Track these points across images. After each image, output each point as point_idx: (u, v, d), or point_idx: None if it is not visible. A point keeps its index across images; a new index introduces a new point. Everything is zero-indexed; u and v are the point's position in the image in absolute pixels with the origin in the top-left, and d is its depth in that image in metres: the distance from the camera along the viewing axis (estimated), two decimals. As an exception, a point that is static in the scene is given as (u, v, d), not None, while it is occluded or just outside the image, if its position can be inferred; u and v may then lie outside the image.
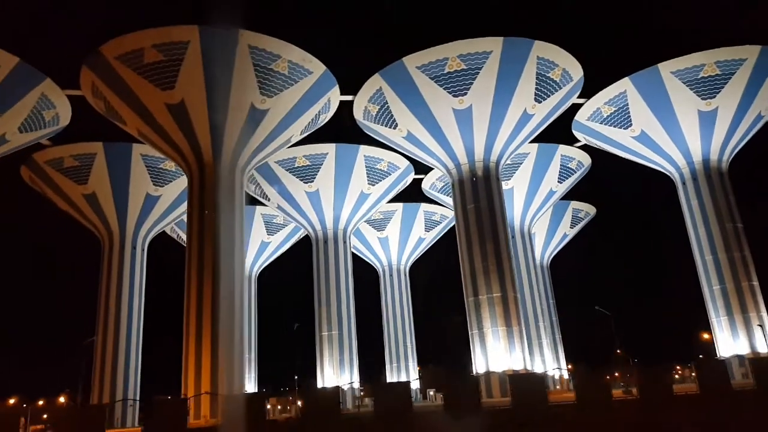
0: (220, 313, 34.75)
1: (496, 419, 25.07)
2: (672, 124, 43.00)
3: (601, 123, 46.12)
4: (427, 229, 70.03)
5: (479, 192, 40.44)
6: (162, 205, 50.73)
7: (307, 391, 40.77)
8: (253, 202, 60.84)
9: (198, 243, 36.44)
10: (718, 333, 41.85)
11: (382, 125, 42.94)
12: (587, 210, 72.36)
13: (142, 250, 51.95)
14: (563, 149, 53.29)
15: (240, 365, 35.11)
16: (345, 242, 56.00)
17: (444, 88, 38.04)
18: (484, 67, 37.15)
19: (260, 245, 66.03)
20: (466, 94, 38.12)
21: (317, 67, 37.62)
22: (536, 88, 38.93)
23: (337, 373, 51.09)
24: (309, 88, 38.35)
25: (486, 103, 38.49)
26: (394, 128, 42.27)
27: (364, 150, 50.70)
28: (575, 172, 56.63)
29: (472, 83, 37.70)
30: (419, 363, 70.64)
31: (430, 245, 72.60)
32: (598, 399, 25.59)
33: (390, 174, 53.93)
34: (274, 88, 36.74)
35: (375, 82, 39.79)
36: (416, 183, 59.98)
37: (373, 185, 53.81)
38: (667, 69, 40.67)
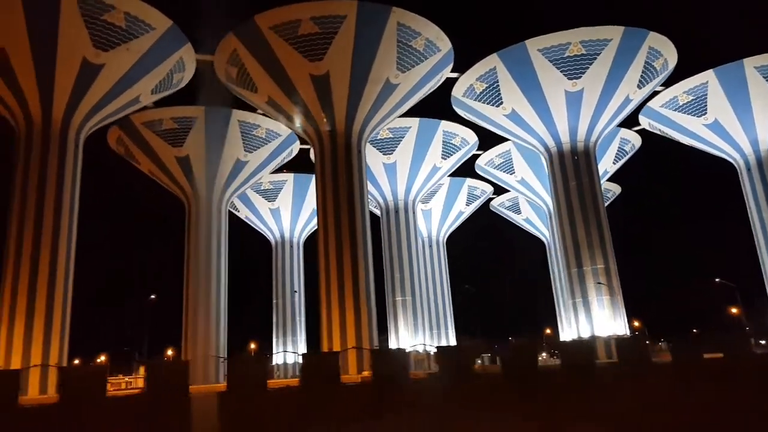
0: (359, 269, 37.07)
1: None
2: (746, 113, 46.88)
3: (674, 110, 49.66)
4: (468, 203, 73.04)
5: (581, 170, 43.51)
6: (247, 170, 51.98)
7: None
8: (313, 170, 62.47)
9: (334, 204, 38.42)
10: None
11: (483, 103, 45.27)
12: (614, 189, 76.70)
13: (226, 213, 53.19)
14: (624, 132, 56.85)
15: (375, 321, 37.56)
16: (414, 212, 58.60)
17: (561, 71, 40.66)
18: (602, 54, 39.93)
19: (311, 213, 67.69)
20: (580, 77, 40.88)
21: (445, 45, 39.62)
22: (641, 76, 42.01)
23: (411, 336, 54.10)
24: (433, 66, 40.37)
25: (597, 87, 41.37)
26: (497, 106, 44.69)
27: (445, 125, 53.14)
28: (627, 155, 60.49)
29: (588, 68, 40.46)
30: (456, 329, 74.22)
31: (466, 218, 75.86)
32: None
33: (460, 149, 56.52)
34: (408, 64, 38.63)
35: (490, 62, 42.04)
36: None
37: (445, 159, 56.34)
38: (751, 64, 44.31)
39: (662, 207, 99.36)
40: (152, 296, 50.27)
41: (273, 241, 69.38)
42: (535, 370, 27.93)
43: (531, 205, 75.32)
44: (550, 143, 44.89)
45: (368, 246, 38.72)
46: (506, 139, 56.92)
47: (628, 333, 40.74)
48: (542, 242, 79.87)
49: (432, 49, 39.05)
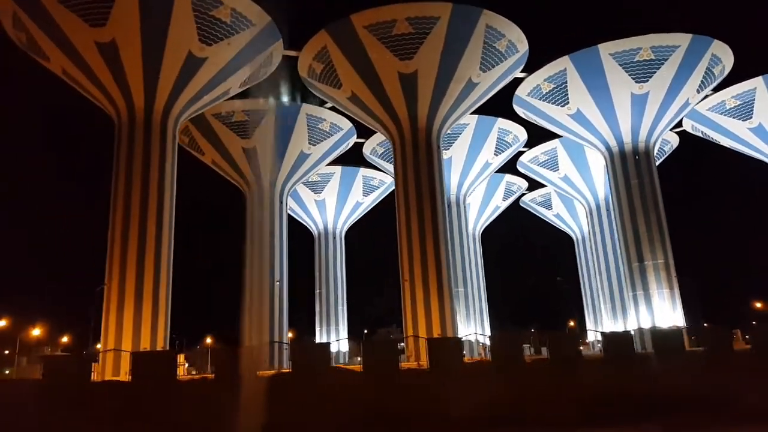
0: (440, 257, 38.90)
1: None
2: (794, 118, 49.06)
3: (720, 113, 51.72)
4: (505, 198, 74.94)
5: (642, 169, 45.50)
6: (309, 162, 53.53)
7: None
8: (360, 163, 64.25)
9: (416, 199, 40.14)
10: None
11: (548, 102, 47.02)
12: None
13: (286, 203, 54.72)
14: (667, 134, 58.82)
15: (455, 308, 39.41)
16: (465, 206, 60.44)
17: (630, 75, 42.50)
18: (669, 59, 41.73)
19: (354, 205, 69.35)
20: (647, 81, 42.72)
21: (523, 47, 41.32)
22: (701, 81, 43.96)
23: (465, 326, 56.04)
24: (509, 66, 42.09)
25: (662, 91, 43.19)
26: (562, 106, 46.49)
27: (500, 122, 54.93)
28: (665, 154, 62.64)
29: (655, 72, 42.27)
30: (490, 321, 76.21)
31: (500, 213, 77.75)
32: None
33: (512, 145, 58.38)
34: (490, 64, 40.31)
35: (561, 64, 43.72)
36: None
37: (497, 155, 58.18)
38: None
39: (685, 207, 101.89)
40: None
41: (316, 233, 70.87)
42: (633, 355, 30.22)
43: (563, 201, 77.46)
44: (613, 143, 46.78)
45: (448, 238, 40.58)
46: (553, 137, 58.99)
47: (685, 324, 42.89)
48: (570, 237, 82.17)
49: (512, 50, 40.74)
